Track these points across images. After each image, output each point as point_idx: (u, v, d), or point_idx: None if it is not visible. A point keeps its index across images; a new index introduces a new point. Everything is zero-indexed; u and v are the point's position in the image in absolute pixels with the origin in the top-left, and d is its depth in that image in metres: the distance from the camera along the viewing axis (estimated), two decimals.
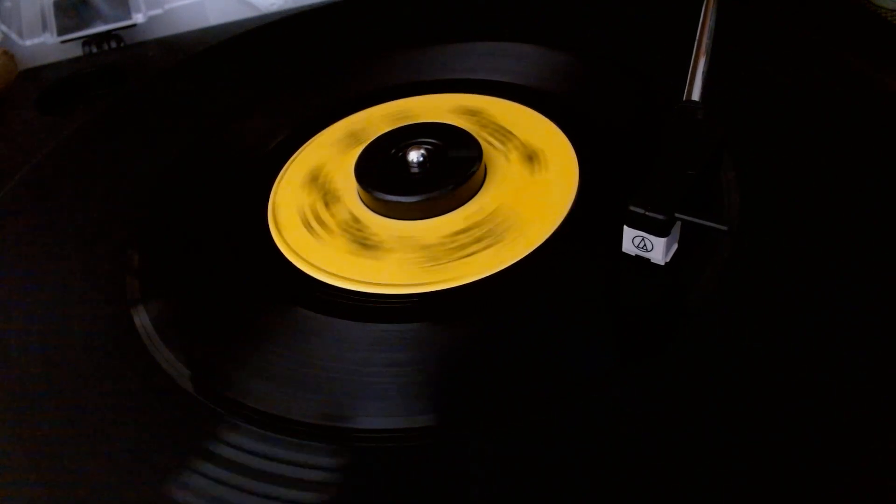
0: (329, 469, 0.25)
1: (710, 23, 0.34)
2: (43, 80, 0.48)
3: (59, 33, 0.50)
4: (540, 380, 0.26)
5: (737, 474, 0.22)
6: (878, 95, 0.35)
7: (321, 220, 0.34)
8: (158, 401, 0.28)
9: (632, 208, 0.27)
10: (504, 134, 0.36)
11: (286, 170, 0.37)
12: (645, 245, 0.28)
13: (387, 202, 0.33)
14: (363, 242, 0.32)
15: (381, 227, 0.33)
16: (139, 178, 0.38)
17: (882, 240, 0.28)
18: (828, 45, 0.38)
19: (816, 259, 0.28)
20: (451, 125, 0.36)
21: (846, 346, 0.25)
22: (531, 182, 0.33)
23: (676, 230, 0.28)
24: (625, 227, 0.28)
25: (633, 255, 0.29)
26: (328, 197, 0.35)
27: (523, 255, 0.30)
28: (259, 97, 0.43)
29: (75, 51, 0.50)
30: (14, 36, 0.50)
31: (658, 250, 0.28)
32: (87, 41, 0.50)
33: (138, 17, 0.50)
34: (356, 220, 0.33)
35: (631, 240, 0.28)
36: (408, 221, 0.33)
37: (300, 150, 0.38)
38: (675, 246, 0.29)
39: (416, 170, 0.33)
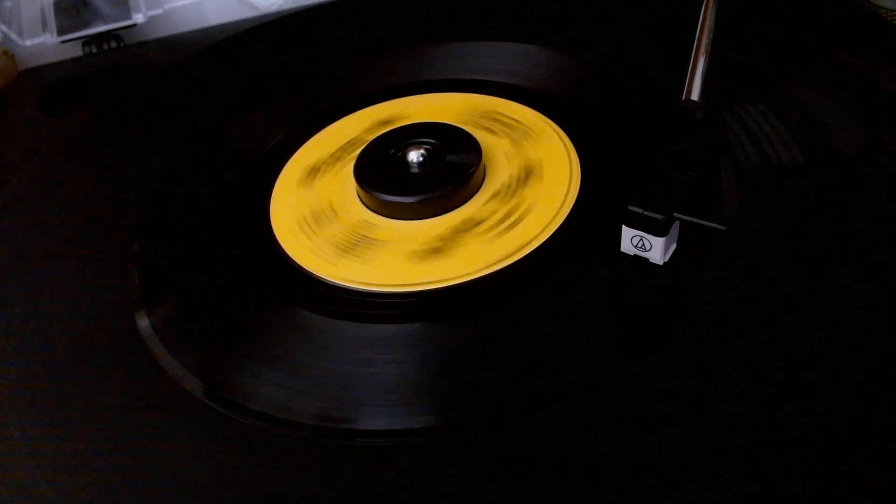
0: (329, 469, 0.25)
1: (709, 23, 0.34)
2: (43, 80, 0.48)
3: (59, 33, 0.50)
4: (539, 380, 0.26)
5: (737, 474, 0.22)
6: (878, 95, 0.35)
7: (321, 219, 0.34)
8: (158, 401, 0.28)
9: (630, 208, 0.27)
10: (506, 134, 0.36)
11: (286, 169, 0.37)
12: (643, 245, 0.28)
13: (387, 202, 0.33)
14: (363, 242, 0.32)
15: (382, 227, 0.33)
16: (139, 177, 0.38)
17: (882, 240, 0.28)
18: (828, 45, 0.38)
19: (816, 259, 0.28)
20: (451, 125, 0.36)
21: (846, 346, 0.25)
22: (532, 182, 0.34)
23: (675, 230, 0.28)
24: (623, 226, 0.28)
25: (632, 254, 0.29)
26: (327, 197, 0.35)
27: (523, 255, 0.30)
28: (259, 97, 0.43)
29: (75, 51, 0.50)
30: (14, 36, 0.50)
31: (657, 250, 0.28)
32: (87, 41, 0.50)
33: (138, 17, 0.50)
34: (356, 220, 0.33)
35: (629, 239, 0.28)
36: (408, 221, 0.33)
37: (300, 149, 0.38)
38: (674, 246, 0.29)
39: (415, 170, 0.33)
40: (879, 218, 0.29)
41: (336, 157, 0.37)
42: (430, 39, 0.44)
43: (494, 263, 0.30)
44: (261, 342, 0.29)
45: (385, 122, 0.38)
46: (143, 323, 0.31)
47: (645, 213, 0.27)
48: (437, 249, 0.31)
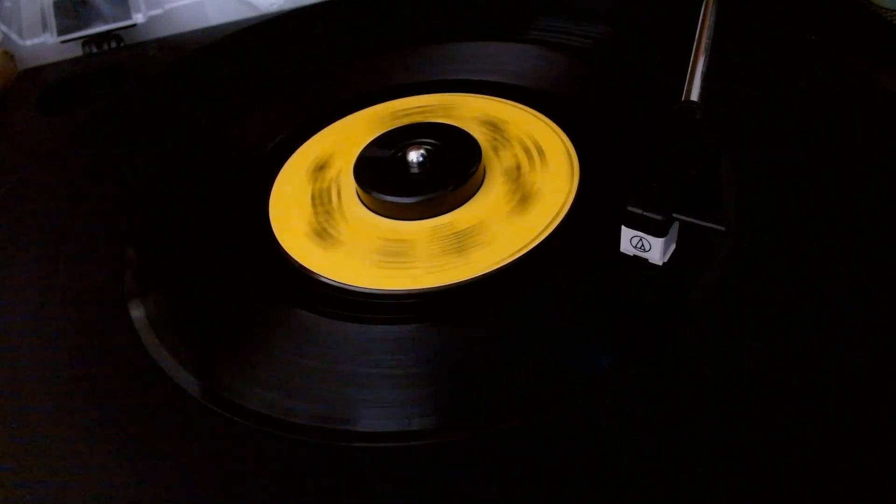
0: (329, 470, 0.25)
1: (709, 23, 0.34)
2: (43, 80, 0.48)
3: (59, 33, 0.50)
4: (539, 380, 0.26)
5: (737, 474, 0.22)
6: (878, 95, 0.35)
7: (320, 219, 0.34)
8: (157, 402, 0.28)
9: (630, 208, 0.27)
10: (506, 134, 0.36)
11: (285, 169, 0.37)
12: (643, 245, 0.28)
13: (386, 203, 0.33)
14: (362, 242, 0.32)
15: (382, 227, 0.33)
16: (139, 177, 0.38)
17: (882, 240, 0.28)
18: (828, 45, 0.38)
19: (815, 259, 0.28)
20: (451, 125, 0.36)
21: (846, 346, 0.25)
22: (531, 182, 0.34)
23: (674, 230, 0.28)
24: (623, 227, 0.28)
25: (632, 255, 0.29)
26: (327, 197, 0.35)
27: (522, 255, 0.30)
28: (258, 96, 0.43)
29: (75, 51, 0.50)
30: (14, 36, 0.50)
31: (656, 250, 0.28)
32: (87, 41, 0.50)
33: (138, 17, 0.50)
34: (356, 220, 0.33)
35: (629, 240, 0.28)
36: (408, 221, 0.33)
37: (300, 149, 0.38)
38: (673, 246, 0.29)
39: (415, 170, 0.33)
40: (879, 218, 0.29)
41: (335, 157, 0.37)
42: (430, 39, 0.44)
43: (494, 264, 0.30)
44: (260, 342, 0.29)
45: (383, 122, 0.38)
46: (141, 322, 0.30)
47: (644, 213, 0.27)
48: (437, 249, 0.31)
